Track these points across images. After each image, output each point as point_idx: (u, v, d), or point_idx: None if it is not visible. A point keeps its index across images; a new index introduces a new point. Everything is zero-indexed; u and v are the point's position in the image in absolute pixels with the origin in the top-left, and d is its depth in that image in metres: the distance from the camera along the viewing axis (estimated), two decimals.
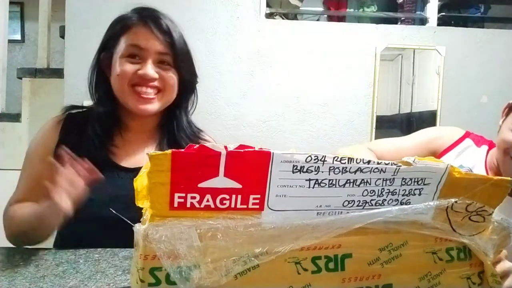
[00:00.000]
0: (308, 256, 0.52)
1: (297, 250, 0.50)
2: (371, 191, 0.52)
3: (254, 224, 0.49)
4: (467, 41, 2.08)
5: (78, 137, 0.93)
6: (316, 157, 0.49)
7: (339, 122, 2.05)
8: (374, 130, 2.06)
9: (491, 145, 1.08)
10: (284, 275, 0.51)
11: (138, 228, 0.47)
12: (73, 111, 1.00)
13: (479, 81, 2.07)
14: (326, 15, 2.45)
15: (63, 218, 0.77)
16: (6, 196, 0.95)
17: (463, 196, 0.54)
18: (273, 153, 0.48)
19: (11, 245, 0.87)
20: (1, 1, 2.33)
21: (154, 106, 0.93)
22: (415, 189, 0.54)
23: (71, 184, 0.75)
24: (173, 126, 1.00)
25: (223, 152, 0.46)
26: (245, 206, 0.49)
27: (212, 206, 0.48)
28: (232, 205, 0.49)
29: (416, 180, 0.53)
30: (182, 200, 0.47)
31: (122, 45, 0.92)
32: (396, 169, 0.52)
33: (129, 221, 0.48)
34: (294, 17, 2.38)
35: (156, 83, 0.92)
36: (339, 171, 0.50)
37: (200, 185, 0.47)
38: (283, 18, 2.26)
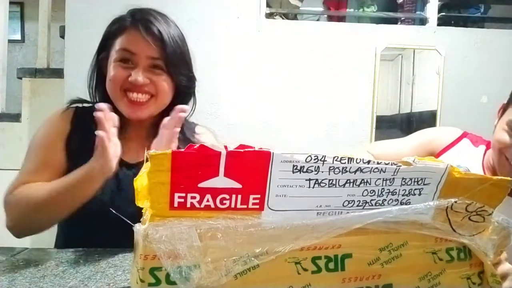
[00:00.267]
0: (308, 256, 0.52)
1: (297, 250, 0.50)
2: (371, 191, 0.52)
3: (254, 224, 0.49)
4: (467, 41, 2.08)
5: (88, 131, 0.93)
6: (316, 157, 0.49)
7: (339, 122, 2.04)
8: (374, 130, 2.05)
9: (488, 145, 1.09)
10: (284, 275, 0.51)
11: (138, 228, 0.47)
12: (80, 105, 1.00)
13: (479, 81, 2.07)
14: (326, 15, 2.45)
15: (102, 182, 0.78)
16: None
17: (463, 196, 0.54)
18: (273, 153, 0.48)
19: (11, 245, 0.86)
20: (1, 1, 2.33)
21: (146, 112, 0.92)
22: (415, 189, 0.54)
23: (116, 146, 0.76)
24: None
25: (223, 152, 0.46)
26: (245, 206, 0.49)
27: (212, 206, 0.48)
28: (232, 205, 0.49)
29: (416, 180, 0.53)
30: (182, 200, 0.47)
31: (116, 48, 0.91)
32: (396, 169, 0.52)
33: (130, 219, 0.48)
34: (294, 17, 2.38)
35: (148, 89, 0.90)
36: (339, 171, 0.50)
37: (200, 185, 0.47)
38: (283, 18, 2.26)
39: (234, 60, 2.00)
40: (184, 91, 0.98)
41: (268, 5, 2.11)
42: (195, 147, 0.46)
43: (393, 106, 2.14)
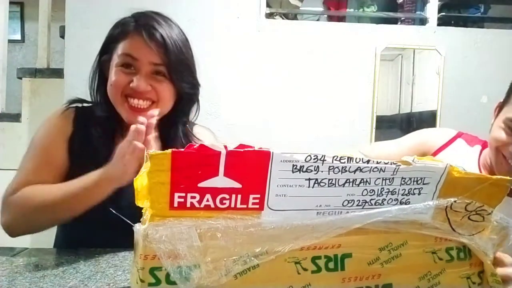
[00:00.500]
0: (308, 256, 0.52)
1: (297, 250, 0.51)
2: (371, 191, 0.52)
3: (254, 224, 0.49)
4: (467, 41, 2.08)
5: (89, 132, 0.93)
6: (315, 157, 0.49)
7: (339, 122, 2.04)
8: (374, 130, 2.06)
9: (484, 145, 1.09)
10: (284, 275, 0.51)
11: (138, 228, 0.47)
12: (80, 105, 0.99)
13: (479, 81, 2.07)
14: (326, 15, 2.45)
15: (118, 185, 0.78)
16: None
17: (462, 195, 0.54)
18: (272, 152, 0.48)
19: (11, 245, 0.86)
20: (1, 1, 2.33)
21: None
22: (415, 189, 0.54)
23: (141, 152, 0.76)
24: (169, 134, 0.98)
25: (223, 152, 0.46)
26: (245, 206, 0.49)
27: (212, 206, 0.48)
28: (232, 205, 0.49)
29: (415, 179, 0.53)
30: (182, 200, 0.47)
31: (118, 52, 0.90)
32: (395, 168, 0.52)
33: (130, 219, 0.48)
34: (294, 17, 2.38)
35: (149, 95, 0.89)
36: (339, 171, 0.50)
37: (200, 184, 0.47)
38: (283, 18, 2.26)
39: (234, 60, 2.00)
40: (185, 97, 0.96)
41: (268, 5, 2.11)
42: (195, 147, 0.46)
43: (393, 106, 2.14)
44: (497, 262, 0.59)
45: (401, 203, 0.54)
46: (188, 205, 0.47)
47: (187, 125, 1.02)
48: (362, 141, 2.04)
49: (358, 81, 2.05)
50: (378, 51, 2.04)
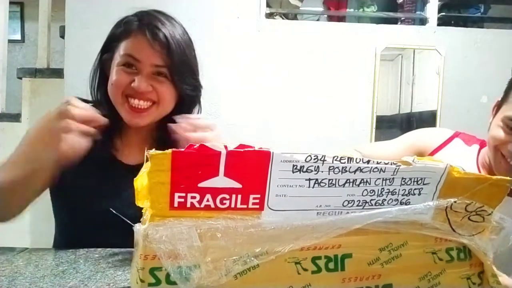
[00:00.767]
0: (308, 256, 0.52)
1: (297, 250, 0.51)
2: (371, 191, 0.52)
3: (254, 224, 0.49)
4: (467, 41, 2.08)
5: None
6: (315, 157, 0.49)
7: (339, 122, 2.05)
8: (374, 130, 2.06)
9: (482, 144, 1.09)
10: (284, 275, 0.51)
11: (138, 228, 0.47)
12: None
13: (479, 81, 2.07)
14: (326, 15, 2.45)
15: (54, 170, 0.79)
16: None
17: (462, 196, 0.54)
18: (273, 152, 0.48)
19: (11, 245, 0.86)
20: (1, 1, 2.33)
21: (146, 119, 0.91)
22: (415, 189, 0.54)
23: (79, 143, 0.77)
24: (169, 136, 0.98)
25: (223, 152, 0.46)
26: (245, 206, 0.49)
27: (212, 206, 0.48)
28: (232, 205, 0.49)
29: (415, 180, 0.53)
30: (182, 200, 0.47)
31: (120, 52, 0.89)
32: (395, 168, 0.52)
33: (130, 220, 0.48)
34: (294, 17, 2.38)
35: (150, 96, 0.89)
36: (339, 171, 0.50)
37: (200, 184, 0.47)
38: (283, 18, 2.26)
39: (234, 60, 2.00)
40: (187, 99, 0.95)
41: (268, 5, 2.11)
42: (195, 146, 0.46)
43: (393, 106, 2.14)
44: None
45: (401, 203, 0.54)
46: (188, 205, 0.47)
47: None
48: (362, 141, 2.04)
49: (358, 81, 2.05)
50: (378, 51, 2.04)
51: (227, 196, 0.48)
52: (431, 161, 0.54)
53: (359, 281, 0.54)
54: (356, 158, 0.50)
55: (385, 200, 0.53)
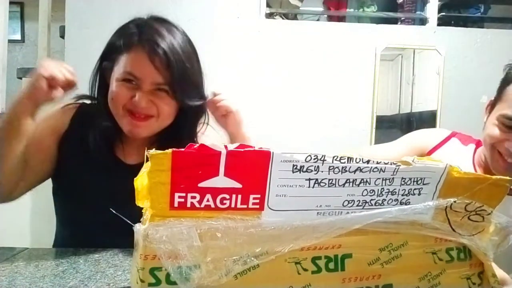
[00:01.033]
0: (308, 256, 0.52)
1: (297, 250, 0.51)
2: (371, 191, 0.52)
3: (254, 224, 0.49)
4: (467, 41, 2.08)
5: (88, 131, 0.92)
6: (315, 157, 0.49)
7: (339, 122, 2.05)
8: (374, 130, 2.06)
9: (478, 144, 1.09)
10: (284, 275, 0.51)
11: (138, 228, 0.47)
12: (86, 102, 0.98)
13: (479, 81, 2.07)
14: (326, 15, 2.45)
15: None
16: None
17: (462, 195, 0.54)
18: (273, 152, 0.48)
19: (11, 245, 0.86)
20: (1, 1, 2.33)
21: (146, 130, 0.90)
22: (415, 189, 0.54)
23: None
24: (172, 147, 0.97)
25: (223, 152, 0.46)
26: (245, 206, 0.49)
27: (212, 206, 0.48)
28: (232, 205, 0.49)
29: (415, 180, 0.53)
30: (182, 200, 0.47)
31: (120, 66, 0.88)
32: (395, 168, 0.52)
33: (130, 221, 0.48)
34: (294, 17, 2.38)
35: (149, 112, 0.88)
36: (339, 171, 0.50)
37: (200, 184, 0.47)
38: (283, 18, 2.26)
39: (234, 60, 2.00)
40: (190, 111, 0.94)
41: (268, 5, 2.11)
42: (195, 146, 0.46)
43: (393, 106, 2.14)
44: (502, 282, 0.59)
45: (401, 203, 0.54)
46: (189, 205, 0.47)
47: (195, 138, 1.00)
48: (362, 141, 2.04)
49: (358, 81, 2.05)
50: (378, 51, 2.04)
51: (227, 196, 0.48)
52: (431, 161, 0.54)
53: (359, 281, 0.54)
54: (356, 158, 0.50)
55: (385, 200, 0.53)
